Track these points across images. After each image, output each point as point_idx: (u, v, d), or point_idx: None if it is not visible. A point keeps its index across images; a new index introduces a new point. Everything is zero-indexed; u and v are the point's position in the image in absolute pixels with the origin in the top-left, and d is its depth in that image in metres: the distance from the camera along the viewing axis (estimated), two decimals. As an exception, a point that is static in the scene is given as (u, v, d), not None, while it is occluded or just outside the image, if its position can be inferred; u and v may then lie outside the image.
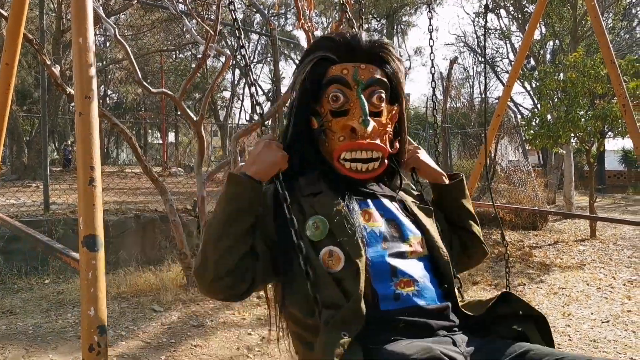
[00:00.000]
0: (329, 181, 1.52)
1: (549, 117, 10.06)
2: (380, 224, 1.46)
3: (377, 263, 1.37)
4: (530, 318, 1.45)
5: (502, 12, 22.27)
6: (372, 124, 1.45)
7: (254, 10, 17.70)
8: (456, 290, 1.53)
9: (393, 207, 1.54)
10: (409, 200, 1.61)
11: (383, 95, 1.53)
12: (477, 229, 1.74)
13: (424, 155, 1.73)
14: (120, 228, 6.52)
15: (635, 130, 3.33)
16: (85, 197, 1.28)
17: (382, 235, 1.43)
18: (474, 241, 1.73)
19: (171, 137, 28.87)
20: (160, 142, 25.30)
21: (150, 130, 32.16)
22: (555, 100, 10.14)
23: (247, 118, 27.14)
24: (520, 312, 1.45)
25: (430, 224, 1.56)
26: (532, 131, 10.32)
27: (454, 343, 1.30)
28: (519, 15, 20.50)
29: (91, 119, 1.33)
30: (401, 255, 1.42)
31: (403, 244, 1.44)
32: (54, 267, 5.92)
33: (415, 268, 1.41)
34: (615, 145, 29.54)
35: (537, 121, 10.55)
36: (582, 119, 9.10)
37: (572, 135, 9.62)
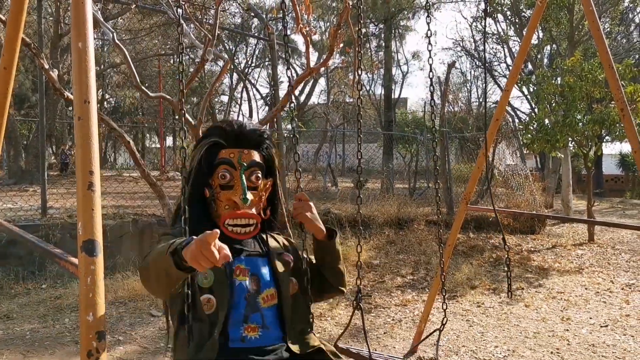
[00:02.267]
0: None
1: (546, 121, 10.06)
2: (246, 278, 1.88)
3: (235, 312, 1.81)
4: None
5: (500, 16, 22.31)
6: (249, 199, 1.87)
7: (252, 14, 17.71)
8: (297, 331, 1.95)
9: (260, 262, 1.96)
10: (274, 255, 2.01)
11: (259, 175, 1.96)
12: (336, 280, 2.10)
13: (309, 213, 2.04)
14: (118, 232, 6.51)
15: (633, 134, 3.33)
16: (85, 202, 1.27)
17: (247, 288, 1.86)
18: (330, 289, 2.12)
19: (169, 141, 28.85)
20: (158, 146, 25.25)
21: (148, 135, 32.14)
22: (553, 104, 10.15)
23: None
24: None
25: (284, 276, 1.96)
26: (529, 135, 10.34)
27: None
28: (517, 20, 20.56)
29: (90, 123, 1.32)
30: (254, 306, 1.86)
31: (259, 296, 1.88)
32: (51, 271, 5.90)
33: (264, 316, 1.87)
34: (612, 149, 29.56)
35: (534, 125, 10.56)
36: (580, 123, 9.12)
37: (570, 139, 9.63)
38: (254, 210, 1.92)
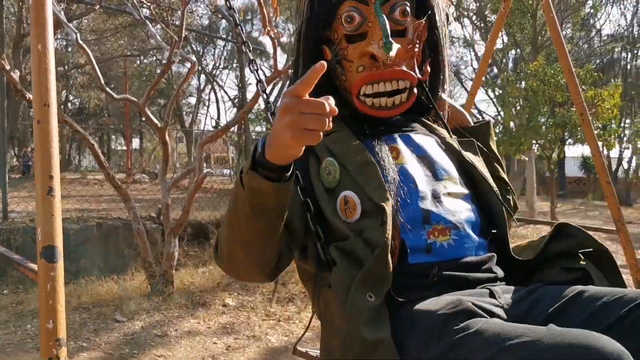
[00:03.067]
0: (350, 119, 1.30)
1: (511, 124, 10.26)
2: (409, 162, 1.24)
3: (407, 207, 1.16)
4: (590, 255, 1.24)
5: (466, 21, 22.67)
6: (395, 46, 1.20)
7: (220, 16, 17.62)
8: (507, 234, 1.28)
9: (426, 142, 1.30)
10: (445, 134, 1.36)
11: (407, 8, 1.27)
12: (504, 175, 1.49)
13: (444, 97, 1.47)
14: (82, 236, 6.39)
15: (592, 138, 3.42)
16: (44, 207, 1.25)
17: (412, 175, 1.21)
18: (501, 189, 1.40)
19: (135, 143, 28.50)
20: (124, 148, 24.94)
21: (113, 137, 31.69)
22: (518, 107, 10.35)
23: (213, 124, 27.00)
24: (577, 248, 1.24)
25: (474, 158, 1.33)
26: (495, 138, 10.51)
27: (492, 294, 1.13)
28: (482, 25, 20.91)
29: (50, 127, 1.30)
30: (436, 196, 1.20)
31: (437, 183, 1.22)
32: (13, 276, 5.76)
33: (453, 211, 1.19)
34: (575, 152, 30.26)
35: (500, 128, 10.75)
36: (543, 127, 9.32)
37: (534, 142, 9.83)
38: (404, 67, 1.25)
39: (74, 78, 23.63)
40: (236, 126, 10.64)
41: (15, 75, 4.36)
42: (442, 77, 1.40)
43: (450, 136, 1.37)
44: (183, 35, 5.25)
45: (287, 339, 4.57)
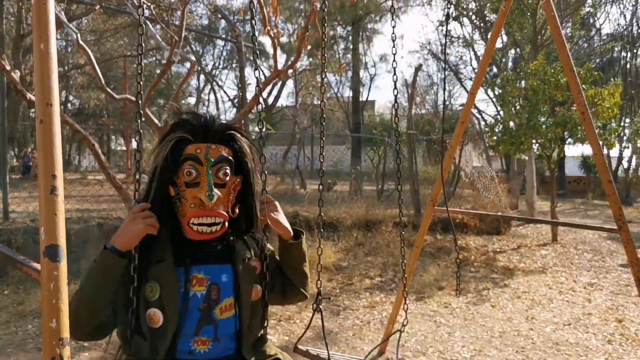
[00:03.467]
0: (176, 244, 1.82)
1: (511, 123, 10.25)
2: (203, 289, 1.80)
3: (187, 325, 1.74)
4: None
5: (465, 20, 22.65)
6: (216, 196, 1.78)
7: (219, 16, 17.62)
8: (250, 343, 1.90)
9: (222, 270, 1.86)
10: (239, 260, 1.91)
11: (227, 171, 1.85)
12: (300, 282, 2.06)
13: (274, 213, 1.99)
14: (83, 236, 6.39)
15: (593, 137, 3.42)
16: (47, 207, 1.25)
17: (202, 299, 1.79)
18: (293, 291, 2.06)
19: (134, 143, 28.42)
20: (124, 148, 24.90)
21: (113, 137, 31.65)
22: (518, 107, 10.33)
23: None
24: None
25: (246, 285, 1.88)
26: (495, 137, 10.50)
27: None
28: (481, 24, 20.90)
29: (53, 126, 1.30)
30: (209, 318, 1.79)
31: (217, 307, 1.81)
32: (13, 277, 5.76)
33: (218, 327, 1.81)
34: (575, 151, 30.28)
35: (500, 128, 10.74)
36: (543, 126, 9.30)
37: (534, 141, 9.82)
38: (221, 209, 1.83)
39: (74, 78, 23.61)
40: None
41: (16, 75, 4.36)
42: (252, 214, 1.99)
43: (250, 260, 1.94)
44: (183, 35, 5.24)
45: (287, 338, 4.57)
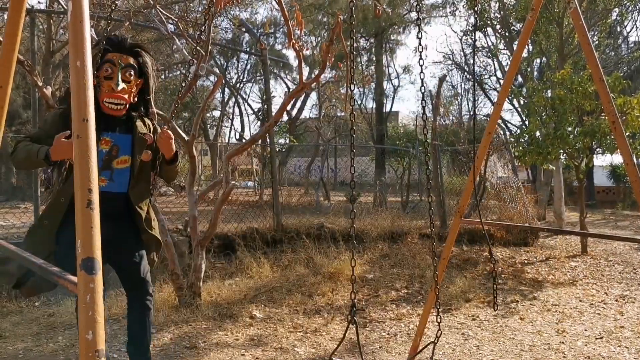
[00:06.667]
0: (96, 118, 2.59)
1: (537, 133, 10.12)
2: (107, 147, 2.93)
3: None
4: None
5: (489, 30, 22.51)
6: (121, 86, 2.89)
7: (244, 30, 17.79)
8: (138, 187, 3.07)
9: (124, 137, 2.99)
10: (137, 133, 3.03)
11: (132, 73, 2.97)
12: (167, 181, 3.36)
13: (166, 141, 3.01)
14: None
15: (625, 146, 3.36)
16: (84, 220, 1.27)
17: (106, 153, 2.91)
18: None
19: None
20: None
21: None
22: (544, 117, 10.22)
23: (237, 137, 27.15)
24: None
25: (140, 148, 3.01)
26: (521, 148, 10.39)
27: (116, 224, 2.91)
28: (506, 34, 20.75)
29: (89, 141, 1.32)
30: (109, 166, 2.93)
31: (115, 160, 2.95)
32: (44, 289, 5.84)
33: (114, 173, 2.94)
34: (603, 161, 29.77)
35: (526, 138, 10.62)
36: (571, 136, 9.18)
37: (561, 151, 9.68)
38: (125, 96, 2.92)
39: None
40: (261, 139, 10.70)
41: (48, 91, 4.45)
42: (148, 99, 3.18)
43: (145, 135, 3.08)
44: (209, 49, 5.31)
45: (314, 351, 4.56)
